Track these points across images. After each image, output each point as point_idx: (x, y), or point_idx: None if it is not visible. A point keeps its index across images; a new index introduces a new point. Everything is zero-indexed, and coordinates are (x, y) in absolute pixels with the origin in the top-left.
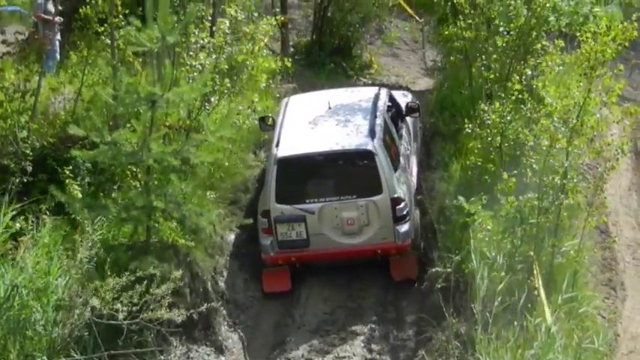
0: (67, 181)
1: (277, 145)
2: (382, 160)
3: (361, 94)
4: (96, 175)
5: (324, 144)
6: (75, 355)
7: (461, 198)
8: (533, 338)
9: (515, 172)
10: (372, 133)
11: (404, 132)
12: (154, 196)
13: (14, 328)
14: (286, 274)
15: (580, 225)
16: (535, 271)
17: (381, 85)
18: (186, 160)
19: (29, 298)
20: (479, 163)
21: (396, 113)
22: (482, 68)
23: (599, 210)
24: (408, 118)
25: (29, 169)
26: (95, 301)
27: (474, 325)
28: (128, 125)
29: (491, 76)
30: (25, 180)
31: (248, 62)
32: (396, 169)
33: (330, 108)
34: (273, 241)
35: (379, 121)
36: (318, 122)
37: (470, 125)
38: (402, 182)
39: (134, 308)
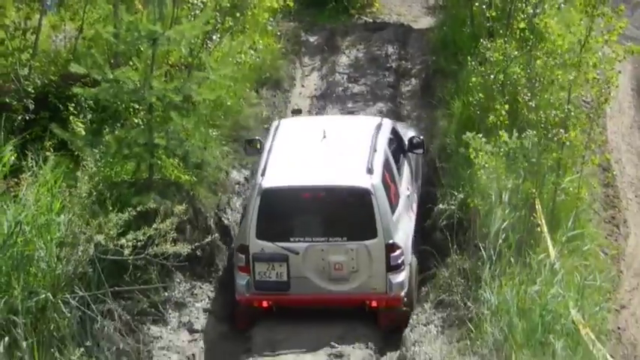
0: (70, 117)
1: (263, 174)
2: (380, 201)
3: (361, 124)
4: (98, 113)
5: (316, 177)
6: (79, 291)
7: (468, 134)
8: (536, 275)
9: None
10: (370, 170)
11: (405, 169)
12: (156, 134)
13: (18, 264)
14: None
15: (581, 163)
16: (537, 208)
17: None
18: (188, 98)
19: (32, 235)
20: (481, 101)
21: (398, 147)
22: (484, 6)
23: (599, 146)
24: (410, 154)
25: (31, 106)
26: (99, 238)
27: (477, 261)
28: (130, 63)
29: (493, 13)
30: (27, 117)
31: (250, 0)
32: (394, 212)
33: (325, 137)
34: (250, 281)
35: (380, 156)
36: (310, 152)
37: (472, 63)
38: (399, 227)
39: (139, 244)
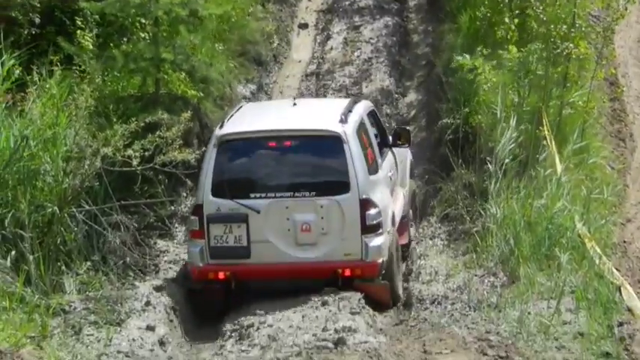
0: (76, 32)
1: (221, 127)
2: (353, 151)
3: (336, 101)
4: (104, 27)
5: (282, 123)
6: (85, 205)
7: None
8: (542, 188)
9: None
10: (343, 120)
11: (388, 157)
12: (163, 48)
13: (24, 178)
14: (219, 294)
15: (589, 76)
16: (544, 121)
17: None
18: (195, 12)
19: (38, 149)
20: (487, 15)
21: (379, 132)
22: None
23: (607, 60)
24: (397, 154)
25: (37, 20)
26: (106, 150)
27: (482, 175)
28: None
29: None
30: (33, 32)
31: None
32: (370, 173)
33: (295, 105)
34: (204, 248)
35: (355, 116)
36: (278, 111)
37: None
38: (377, 190)
39: (146, 154)
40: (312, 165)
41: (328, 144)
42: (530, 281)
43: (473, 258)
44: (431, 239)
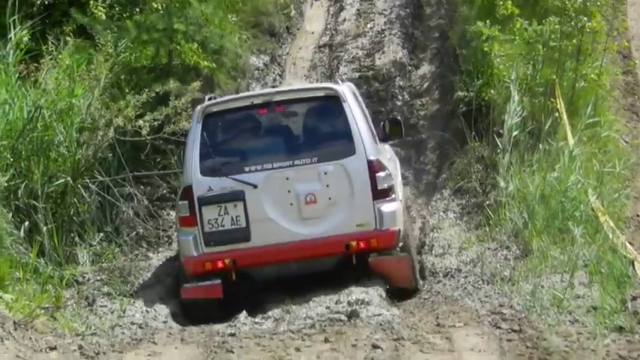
0: (90, 2)
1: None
2: (354, 109)
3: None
4: None
5: (274, 89)
6: (99, 176)
7: (479, 23)
8: (555, 161)
9: None
10: (339, 83)
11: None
12: (175, 19)
13: (38, 149)
14: (217, 287)
15: (602, 49)
16: (557, 93)
17: None
18: None
19: (52, 120)
20: None
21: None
22: None
23: (619, 33)
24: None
25: None
26: (118, 121)
27: (495, 148)
28: None
29: None
30: (46, 2)
31: None
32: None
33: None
34: (197, 236)
35: (348, 86)
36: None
37: None
38: (384, 155)
39: (156, 124)
40: (310, 129)
41: (326, 104)
42: (543, 255)
43: (486, 231)
44: (444, 212)
